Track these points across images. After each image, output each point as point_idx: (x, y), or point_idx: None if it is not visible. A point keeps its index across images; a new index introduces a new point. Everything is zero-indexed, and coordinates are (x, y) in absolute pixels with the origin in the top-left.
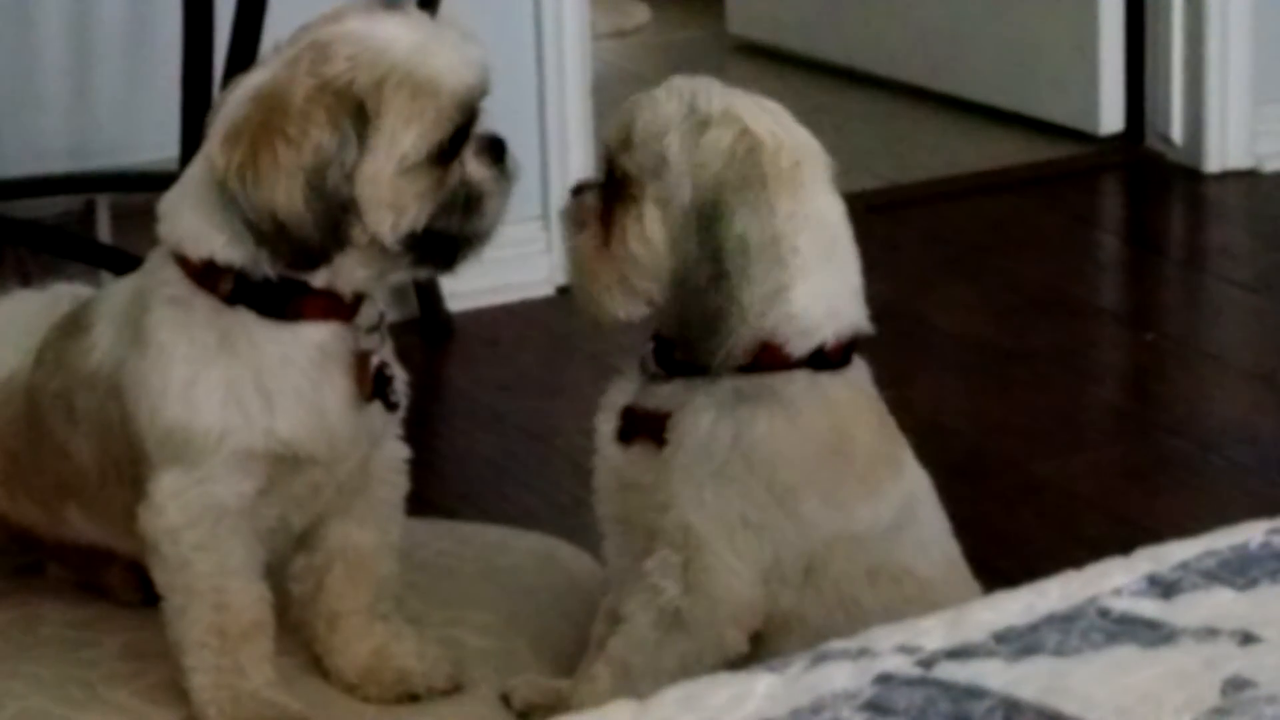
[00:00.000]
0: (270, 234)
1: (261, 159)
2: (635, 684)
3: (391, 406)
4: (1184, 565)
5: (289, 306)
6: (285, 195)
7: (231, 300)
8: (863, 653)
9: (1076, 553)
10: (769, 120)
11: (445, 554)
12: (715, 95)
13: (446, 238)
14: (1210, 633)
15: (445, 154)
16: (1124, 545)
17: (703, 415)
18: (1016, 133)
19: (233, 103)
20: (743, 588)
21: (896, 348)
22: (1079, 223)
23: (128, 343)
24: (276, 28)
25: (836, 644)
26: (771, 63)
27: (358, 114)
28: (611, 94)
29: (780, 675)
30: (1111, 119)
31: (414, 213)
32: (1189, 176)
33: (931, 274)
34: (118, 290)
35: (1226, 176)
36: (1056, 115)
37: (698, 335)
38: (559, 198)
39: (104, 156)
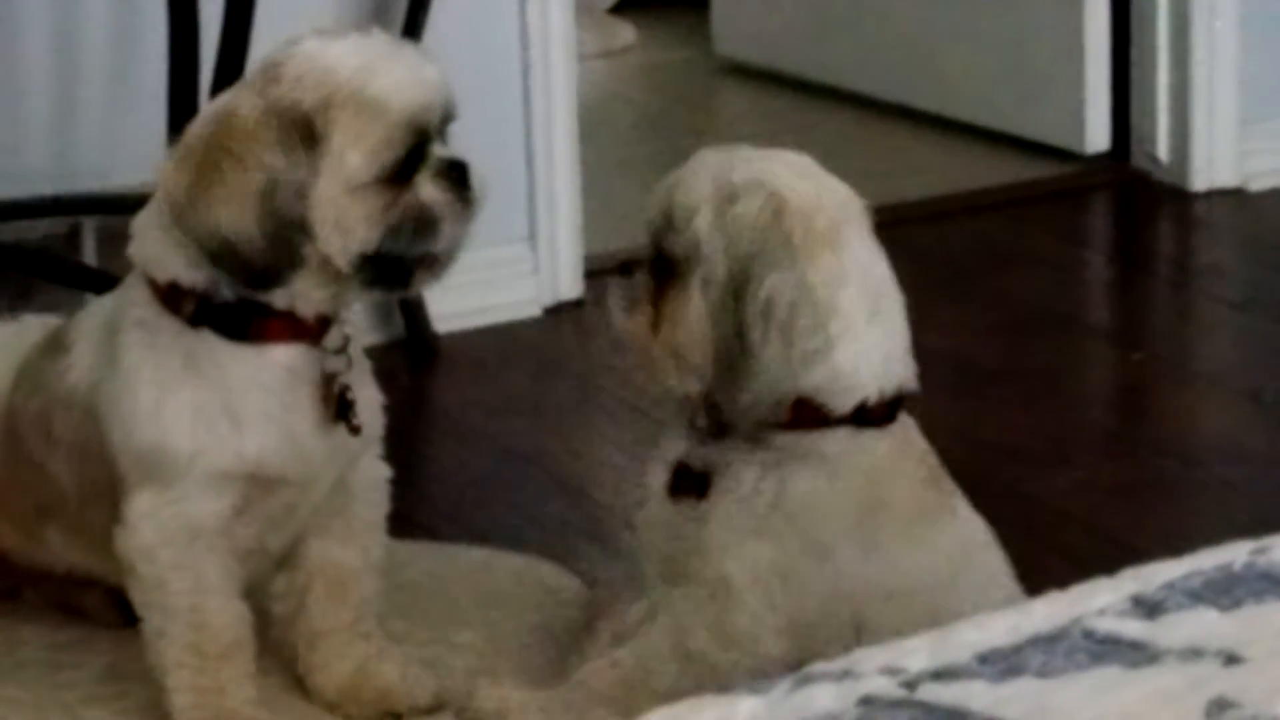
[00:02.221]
0: (221, 254)
1: (209, 180)
2: (633, 689)
3: (353, 430)
4: (1169, 585)
5: (251, 328)
6: (233, 215)
7: (194, 322)
8: (846, 674)
9: (1065, 571)
10: (799, 181)
11: (428, 574)
12: (741, 164)
13: (398, 260)
14: (1194, 653)
15: (397, 175)
16: (1112, 563)
17: (745, 472)
18: (1003, 152)
19: (193, 126)
20: (768, 639)
21: None
22: (1066, 242)
23: (103, 363)
24: (262, 49)
25: (820, 666)
26: (758, 83)
27: (307, 134)
28: (599, 115)
29: (764, 697)
30: (1097, 138)
31: (362, 234)
32: (1175, 195)
33: (919, 294)
34: (96, 310)
35: (1213, 195)
36: (1043, 134)
37: (725, 398)
38: (545, 218)
39: (89, 179)
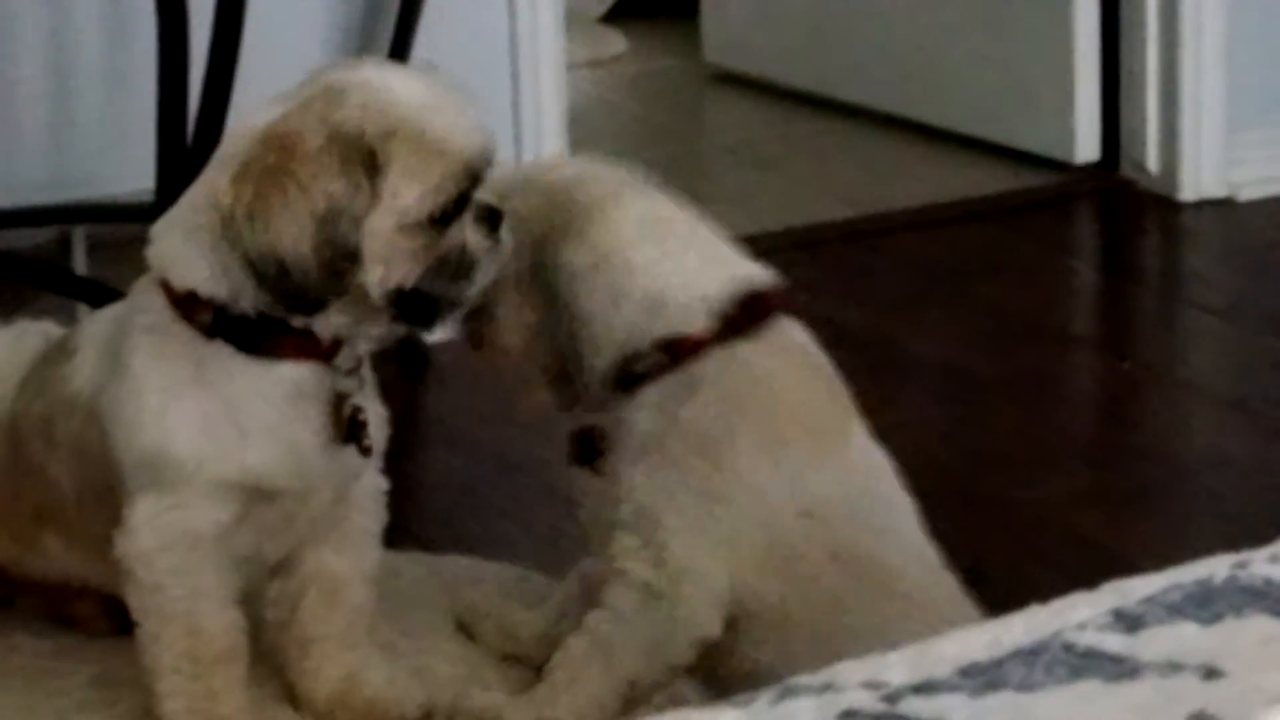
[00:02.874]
0: (272, 276)
1: (272, 201)
2: (610, 653)
3: (364, 451)
4: (1149, 599)
5: (266, 343)
6: (293, 239)
7: (211, 332)
8: (827, 688)
9: (1051, 579)
10: (563, 168)
11: (419, 583)
12: (517, 174)
13: (430, 298)
14: (1174, 667)
15: (445, 216)
16: (1098, 572)
17: (638, 415)
18: (992, 161)
19: (240, 140)
20: (703, 559)
21: (872, 375)
22: (1054, 251)
23: (108, 369)
24: (251, 62)
25: (802, 678)
26: (747, 92)
27: (369, 164)
28: (588, 124)
29: (745, 710)
30: (1087, 148)
31: (405, 270)
32: (1164, 205)
33: (907, 302)
34: (103, 317)
35: (1201, 205)
36: (1032, 144)
37: (575, 367)
38: None
39: (80, 188)
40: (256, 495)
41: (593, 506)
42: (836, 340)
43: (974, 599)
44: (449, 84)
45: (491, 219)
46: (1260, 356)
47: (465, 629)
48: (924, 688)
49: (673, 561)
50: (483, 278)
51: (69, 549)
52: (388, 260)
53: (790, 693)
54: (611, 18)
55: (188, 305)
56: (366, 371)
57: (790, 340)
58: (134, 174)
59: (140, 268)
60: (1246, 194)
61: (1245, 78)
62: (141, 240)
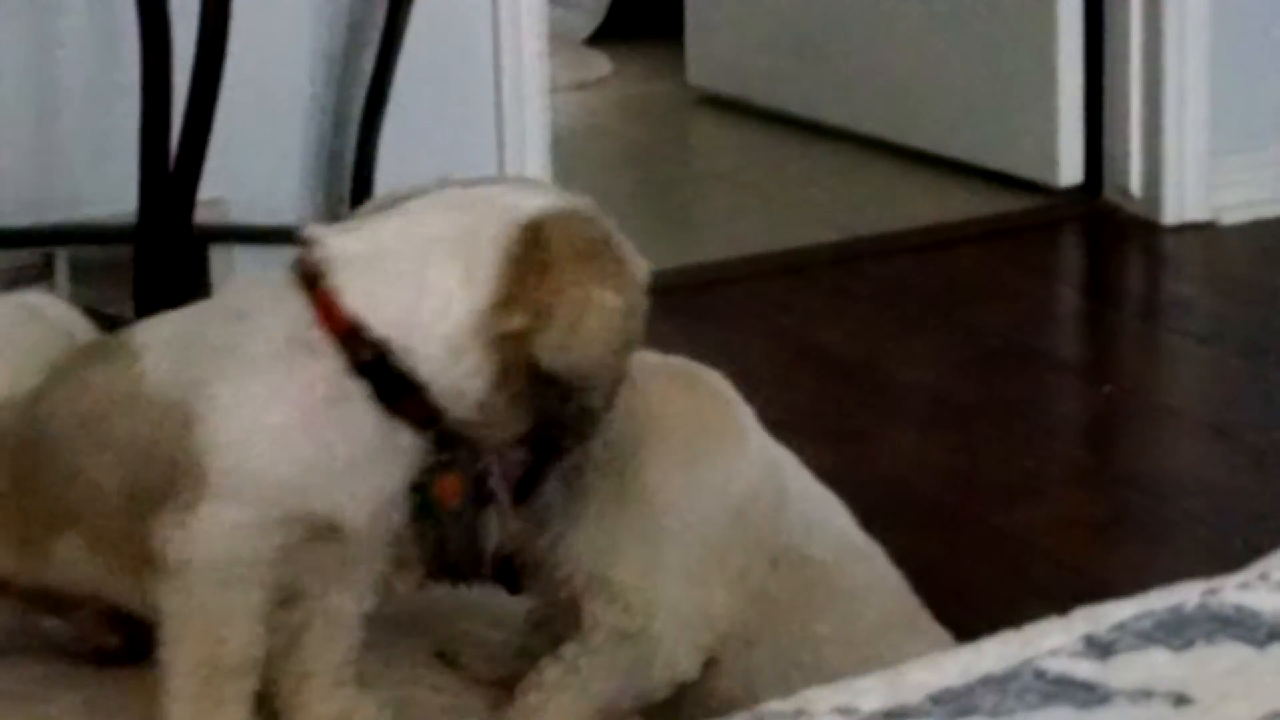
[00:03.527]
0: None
1: (588, 312)
2: (583, 682)
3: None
4: (1120, 626)
5: (402, 401)
6: (600, 348)
7: (362, 370)
8: (799, 714)
9: (1032, 604)
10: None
11: (402, 613)
12: None
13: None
14: (1145, 694)
15: None
16: (1079, 597)
17: (552, 497)
18: (975, 185)
19: (495, 225)
20: (670, 594)
21: (855, 400)
22: (1037, 275)
23: (201, 370)
24: (234, 81)
25: (772, 705)
26: (732, 115)
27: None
28: (573, 146)
29: None
30: (1070, 171)
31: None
32: (1147, 229)
33: (890, 326)
34: (171, 319)
35: (1184, 229)
36: (1015, 168)
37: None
38: None
39: (62, 210)
40: (328, 532)
41: (543, 590)
42: (819, 365)
43: (954, 623)
44: None
45: None
46: (1241, 381)
47: (448, 658)
48: (896, 714)
49: (643, 603)
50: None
51: (89, 556)
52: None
53: (762, 719)
54: (596, 40)
55: (349, 336)
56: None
57: (641, 368)
58: (117, 196)
59: (123, 289)
60: (1229, 218)
61: (1228, 102)
62: (124, 263)
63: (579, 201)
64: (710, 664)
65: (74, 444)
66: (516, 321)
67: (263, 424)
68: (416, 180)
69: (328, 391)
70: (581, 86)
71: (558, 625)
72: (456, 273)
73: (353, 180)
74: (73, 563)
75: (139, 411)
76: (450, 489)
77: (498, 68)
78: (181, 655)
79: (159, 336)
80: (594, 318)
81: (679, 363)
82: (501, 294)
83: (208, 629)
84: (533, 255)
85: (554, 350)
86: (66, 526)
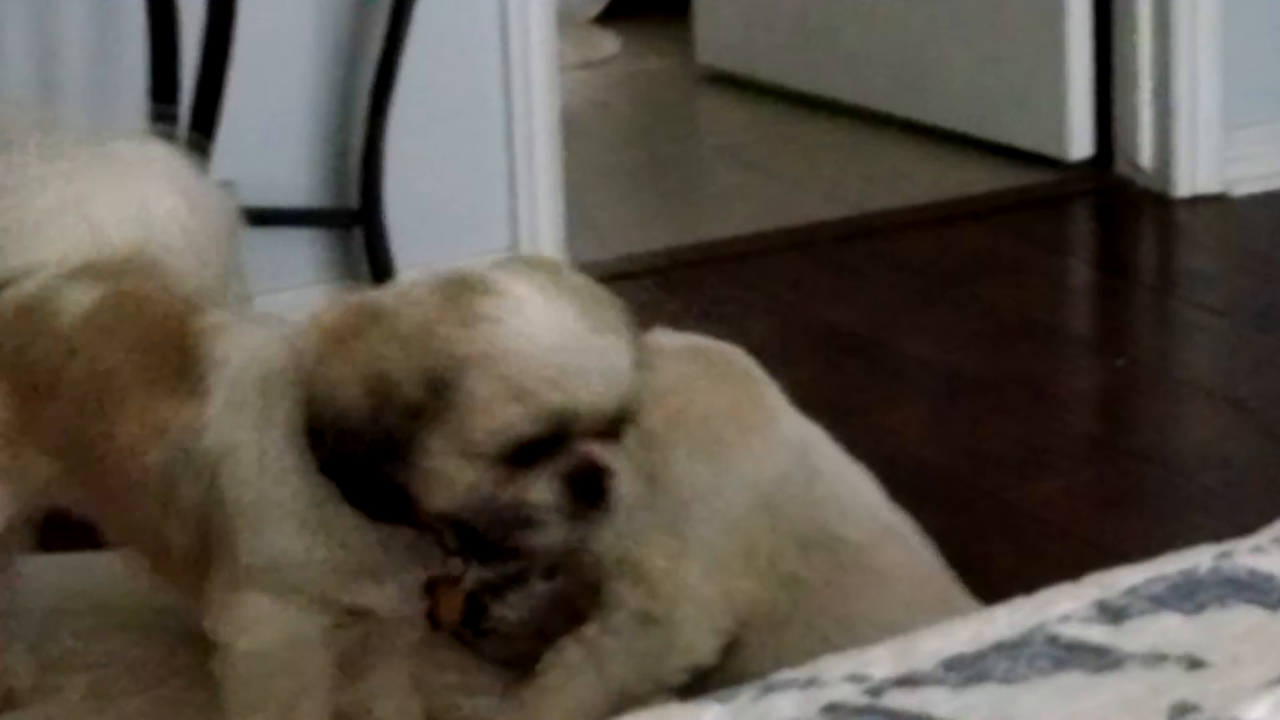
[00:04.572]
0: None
1: (338, 356)
2: (602, 665)
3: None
4: (1132, 591)
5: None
6: (346, 395)
7: None
8: (811, 682)
9: (1046, 578)
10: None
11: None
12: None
13: (486, 537)
14: (1157, 658)
15: (519, 458)
16: (1093, 570)
17: None
18: (985, 160)
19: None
20: (693, 583)
21: (864, 375)
22: (1048, 249)
23: (245, 435)
24: (240, 72)
25: (785, 674)
26: (740, 92)
27: (435, 378)
28: (581, 125)
29: (728, 705)
30: (1081, 145)
31: (455, 499)
32: (1159, 202)
33: (900, 302)
34: (245, 348)
35: (1196, 201)
36: (1025, 142)
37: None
38: (527, 229)
39: None
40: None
41: (579, 577)
42: (829, 341)
43: (971, 597)
44: (609, 320)
45: (583, 484)
46: (1256, 353)
47: (459, 636)
48: (907, 681)
49: (668, 588)
50: (550, 537)
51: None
52: (440, 482)
53: (773, 688)
54: (604, 19)
55: None
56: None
57: (668, 351)
58: None
59: None
60: (1241, 190)
61: (1239, 73)
62: None
63: None
64: (738, 646)
65: (149, 504)
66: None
67: (287, 518)
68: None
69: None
70: (589, 65)
71: (580, 606)
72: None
73: (362, 159)
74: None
75: (200, 477)
76: (451, 607)
77: (505, 47)
78: None
79: (232, 379)
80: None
81: (706, 343)
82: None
83: (274, 713)
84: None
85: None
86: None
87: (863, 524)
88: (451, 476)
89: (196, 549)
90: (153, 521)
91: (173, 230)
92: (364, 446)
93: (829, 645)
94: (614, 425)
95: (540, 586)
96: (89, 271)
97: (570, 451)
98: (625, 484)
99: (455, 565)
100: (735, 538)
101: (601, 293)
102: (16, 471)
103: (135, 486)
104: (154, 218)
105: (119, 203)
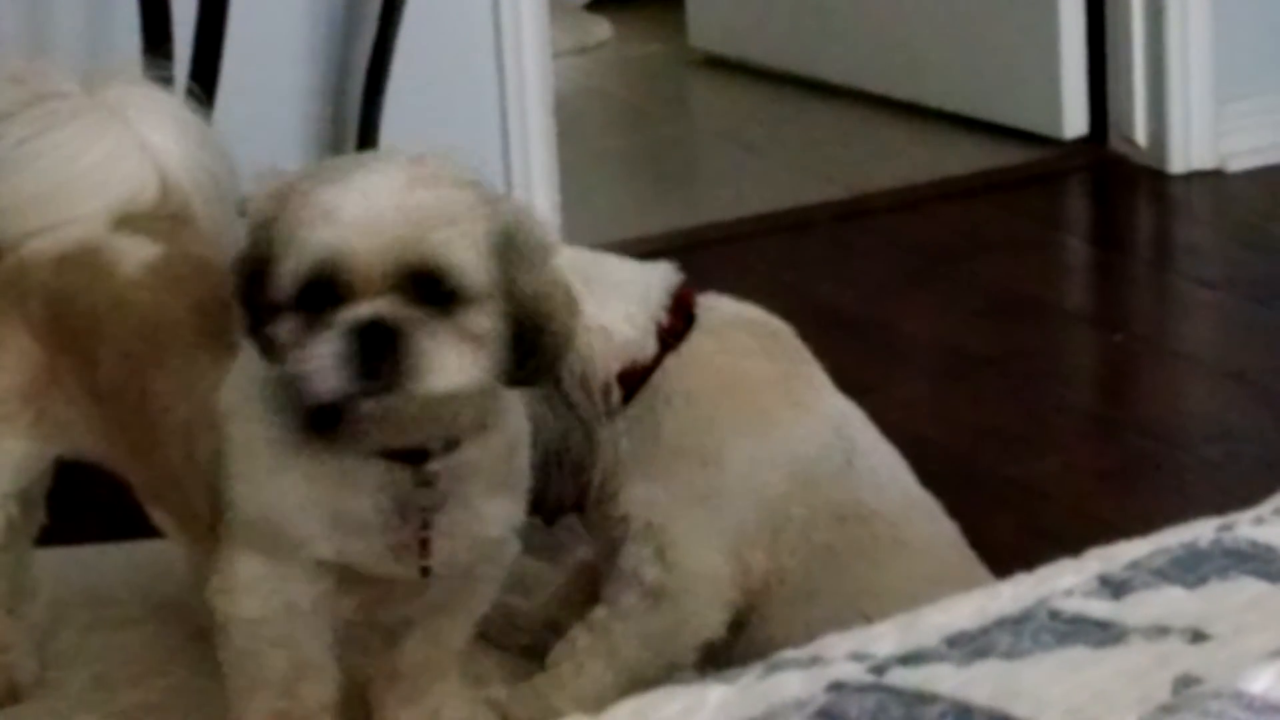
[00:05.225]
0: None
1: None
2: (614, 648)
3: (422, 571)
4: (1134, 564)
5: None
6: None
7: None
8: (815, 661)
9: (1048, 554)
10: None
11: None
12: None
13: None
14: (1161, 631)
15: (305, 303)
16: (1095, 545)
17: (620, 440)
18: (981, 139)
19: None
20: (713, 559)
21: (864, 355)
22: (1045, 226)
23: (239, 399)
24: (232, 68)
25: (789, 652)
26: (733, 75)
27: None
28: (574, 111)
29: (732, 685)
30: (1075, 122)
31: (282, 359)
32: (1154, 177)
33: (898, 281)
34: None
35: (1191, 176)
36: (1020, 120)
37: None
38: None
39: None
40: (357, 574)
41: (600, 536)
42: (828, 321)
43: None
44: (437, 195)
45: (371, 335)
46: (1253, 327)
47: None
48: (911, 658)
49: (685, 563)
50: (334, 388)
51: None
52: (275, 342)
53: (777, 667)
54: (596, 4)
55: None
56: (490, 460)
57: (725, 318)
58: None
59: None
60: (1236, 165)
61: (1232, 48)
62: None
63: None
64: (766, 617)
65: (171, 451)
66: None
67: (261, 477)
68: (420, 144)
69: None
70: (582, 51)
71: (603, 569)
72: None
73: (357, 146)
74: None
75: (214, 432)
76: None
77: (498, 33)
78: (251, 711)
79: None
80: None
81: (757, 314)
82: None
83: (273, 686)
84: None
85: None
86: (157, 501)
87: (895, 498)
88: (276, 332)
89: (211, 509)
90: (177, 479)
91: (205, 185)
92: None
93: (860, 616)
94: (405, 284)
95: (570, 558)
96: (136, 225)
97: (359, 305)
98: (432, 352)
99: (418, 497)
100: (769, 511)
101: (460, 176)
102: (45, 425)
103: (163, 442)
104: (187, 170)
105: (151, 156)
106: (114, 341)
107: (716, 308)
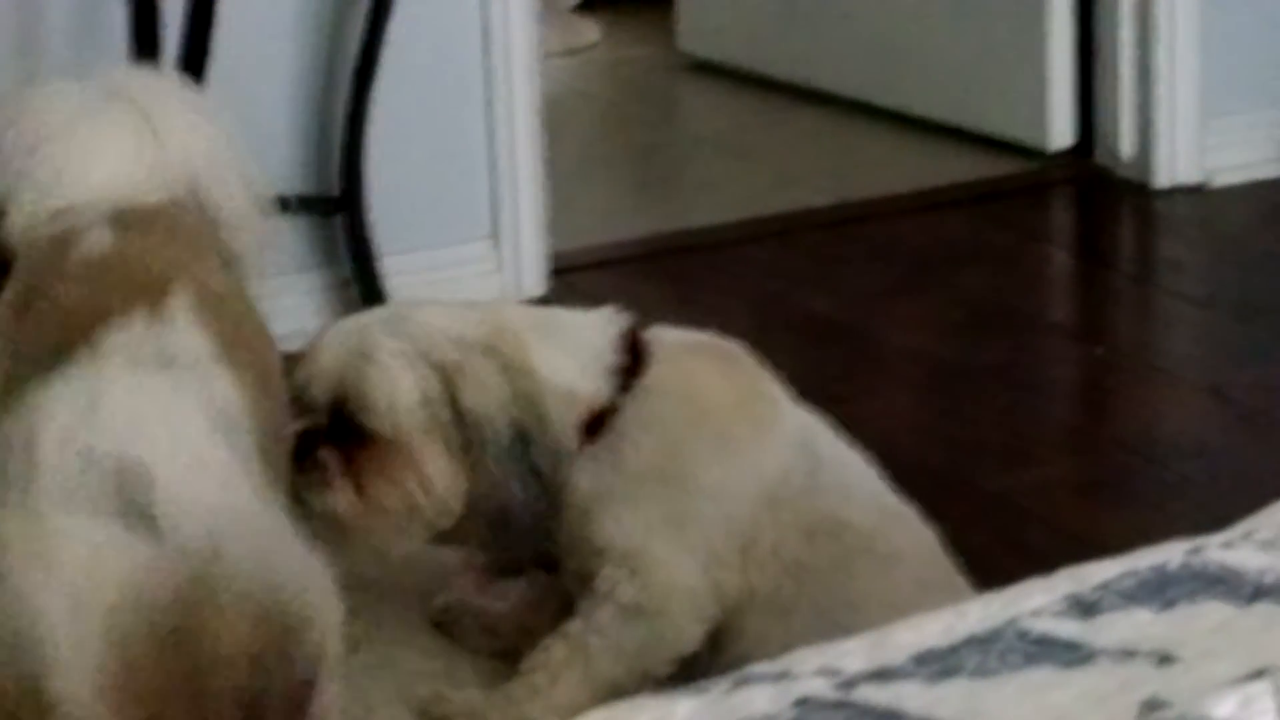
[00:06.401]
0: None
1: None
2: (589, 660)
3: None
4: (1104, 586)
5: None
6: None
7: None
8: (783, 675)
9: (1024, 569)
10: (476, 317)
11: (400, 578)
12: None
13: None
14: (1128, 654)
15: None
16: (1072, 561)
17: (580, 477)
18: (966, 149)
19: None
20: (687, 577)
21: (845, 364)
22: (1028, 238)
23: None
24: (223, 64)
25: (758, 667)
26: (721, 80)
27: None
28: (562, 113)
29: (701, 698)
30: (1061, 134)
31: None
32: (1138, 191)
33: (880, 290)
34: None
35: (1175, 191)
36: (1005, 131)
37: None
38: (509, 216)
39: None
40: None
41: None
42: (810, 329)
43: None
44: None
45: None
46: (1235, 343)
47: (444, 626)
48: (879, 675)
49: (660, 580)
50: None
51: None
52: None
53: (746, 681)
54: (585, 7)
55: None
56: None
57: (679, 347)
58: None
59: None
60: (1220, 180)
61: (1219, 64)
62: None
63: None
64: (740, 633)
65: None
66: None
67: None
68: (407, 146)
69: None
70: (570, 53)
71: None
72: None
73: (343, 149)
74: None
75: None
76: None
77: (487, 35)
78: None
79: None
80: None
81: (708, 339)
82: None
83: None
84: None
85: None
86: None
87: (866, 509)
88: None
89: None
90: None
91: (225, 177)
92: None
93: (838, 628)
94: None
95: (538, 577)
96: (121, 216)
97: None
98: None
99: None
100: (736, 533)
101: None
102: None
103: None
104: (206, 164)
105: (165, 149)
106: (46, 324)
107: (667, 340)
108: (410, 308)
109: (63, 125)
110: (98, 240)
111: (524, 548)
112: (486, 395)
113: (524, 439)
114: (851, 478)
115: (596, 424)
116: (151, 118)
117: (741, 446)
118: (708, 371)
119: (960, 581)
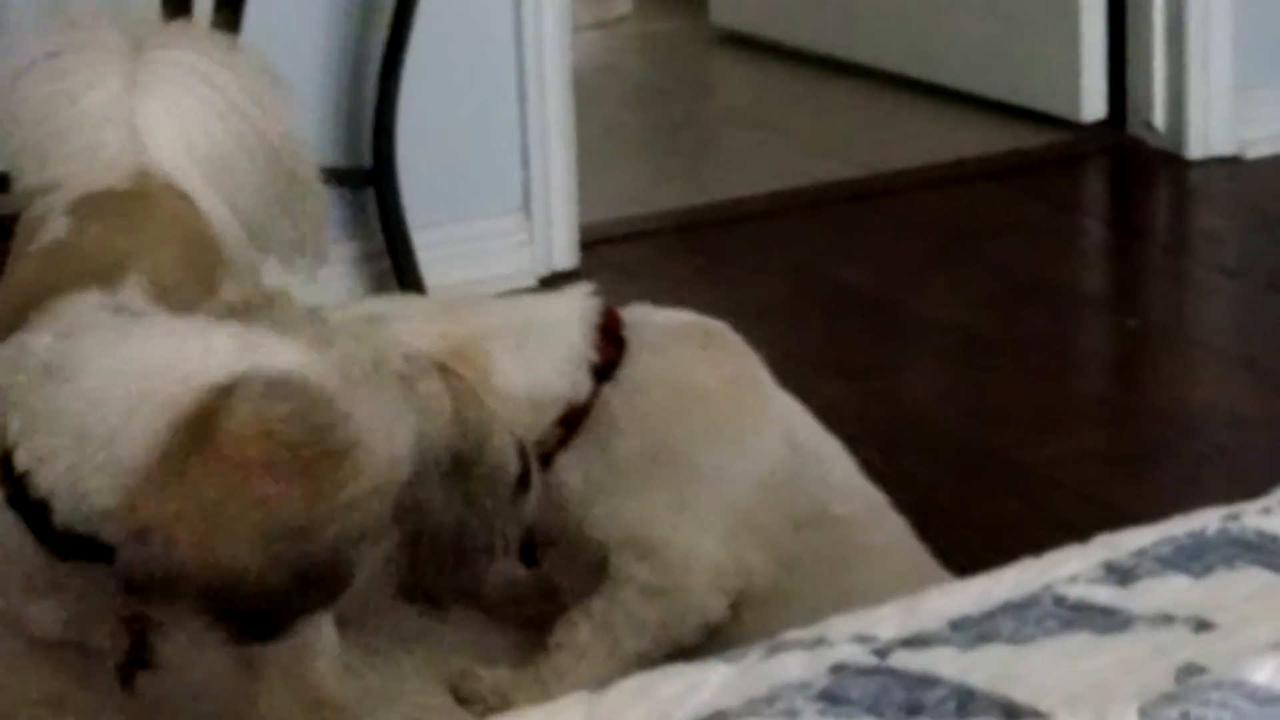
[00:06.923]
0: None
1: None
2: (615, 636)
3: None
4: (1140, 552)
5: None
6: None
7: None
8: (818, 642)
9: (1058, 539)
10: (443, 328)
11: None
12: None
13: None
14: (1165, 619)
15: None
16: (1106, 531)
17: (569, 476)
18: (999, 120)
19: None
20: (706, 553)
21: (877, 336)
22: (1061, 210)
23: None
24: (252, 24)
25: (793, 634)
26: (753, 53)
27: None
28: (593, 86)
29: (735, 665)
30: (1094, 106)
31: None
32: (1172, 163)
33: (913, 263)
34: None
35: (1209, 162)
36: (1038, 102)
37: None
38: (539, 189)
39: None
40: None
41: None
42: (842, 301)
43: (979, 559)
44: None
45: None
46: (1269, 314)
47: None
48: (914, 641)
49: (677, 559)
50: None
51: None
52: None
53: (781, 647)
54: None
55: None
56: None
57: (662, 331)
58: None
59: None
60: (1254, 151)
61: (1253, 34)
62: None
63: (326, 368)
64: (738, 624)
65: None
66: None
67: None
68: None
69: None
70: (601, 26)
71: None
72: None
73: (374, 121)
74: None
75: None
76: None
77: (518, 7)
78: None
79: None
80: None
81: (697, 320)
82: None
83: None
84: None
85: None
86: None
87: (850, 500)
88: None
89: None
90: None
91: (215, 160)
92: None
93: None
94: None
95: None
96: (86, 202)
97: None
98: None
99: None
100: (738, 513)
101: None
102: None
103: None
104: (188, 149)
105: (144, 130)
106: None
107: (649, 324)
108: (388, 309)
109: (55, 102)
110: (56, 227)
111: (441, 579)
112: (429, 420)
113: (461, 466)
114: (834, 470)
115: (576, 418)
116: (143, 103)
117: (732, 434)
118: (694, 359)
119: (938, 570)
